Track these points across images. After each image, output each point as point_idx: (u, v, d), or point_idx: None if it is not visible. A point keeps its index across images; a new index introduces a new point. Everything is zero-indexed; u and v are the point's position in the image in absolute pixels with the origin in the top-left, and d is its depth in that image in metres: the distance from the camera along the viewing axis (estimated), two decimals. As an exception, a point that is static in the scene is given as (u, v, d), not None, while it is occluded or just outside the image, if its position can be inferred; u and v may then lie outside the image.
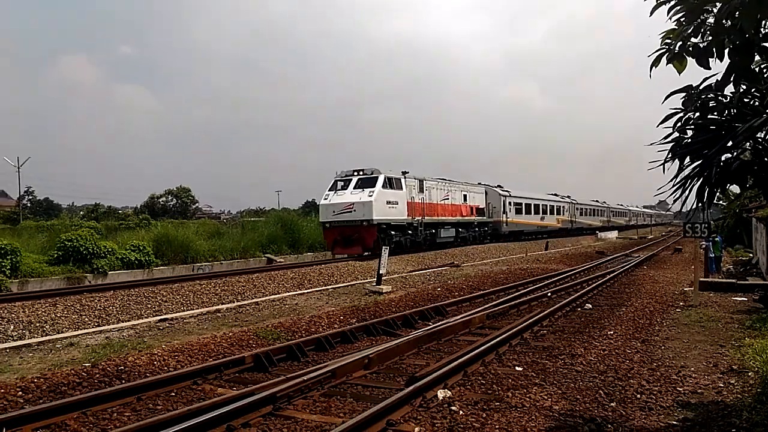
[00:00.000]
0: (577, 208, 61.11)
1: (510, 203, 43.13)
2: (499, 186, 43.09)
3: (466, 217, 35.77)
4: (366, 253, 26.60)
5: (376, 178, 26.78)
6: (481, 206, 38.45)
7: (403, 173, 28.86)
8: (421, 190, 30.31)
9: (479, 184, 40.03)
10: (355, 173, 27.45)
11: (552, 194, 55.47)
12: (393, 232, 27.35)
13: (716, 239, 21.92)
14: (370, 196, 25.68)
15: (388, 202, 26.70)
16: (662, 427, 5.78)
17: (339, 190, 27.44)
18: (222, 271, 23.36)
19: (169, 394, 7.06)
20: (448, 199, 33.38)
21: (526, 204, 46.41)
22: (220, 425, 5.64)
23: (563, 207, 56.29)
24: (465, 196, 35.98)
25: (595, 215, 70.08)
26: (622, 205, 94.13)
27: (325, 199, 27.36)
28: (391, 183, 27.27)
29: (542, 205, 50.23)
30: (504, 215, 41.74)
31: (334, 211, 26.31)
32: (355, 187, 26.81)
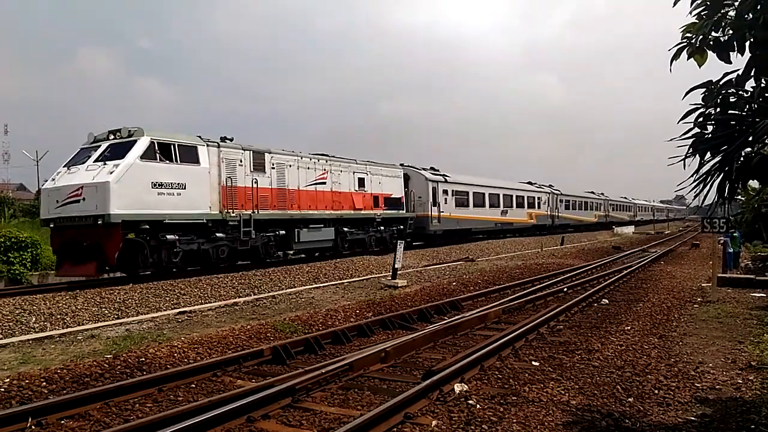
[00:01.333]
0: (561, 201, 50.49)
1: (446, 192, 31.16)
2: (430, 168, 31.52)
3: (360, 211, 24.38)
4: (105, 275, 16.42)
5: (134, 142, 15.57)
6: (395, 195, 26.98)
7: (204, 139, 17.56)
8: (260, 168, 19.27)
9: (400, 165, 28.75)
10: (111, 136, 16.18)
11: (526, 182, 45.78)
12: (174, 237, 16.07)
13: (735, 234, 21.71)
14: (111, 173, 14.64)
15: (160, 185, 15.61)
16: (680, 423, 5.78)
17: (78, 164, 15.81)
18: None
19: (190, 385, 7.17)
20: (324, 183, 22.40)
21: (475, 193, 34.81)
22: (240, 416, 5.73)
23: (539, 198, 45.48)
24: (362, 180, 24.71)
25: (588, 209, 59.11)
26: (625, 197, 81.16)
27: (52, 180, 16.10)
28: (168, 152, 16.08)
29: (504, 195, 38.83)
30: (434, 208, 29.62)
31: (57, 201, 15.22)
32: (97, 159, 15.39)
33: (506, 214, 38.95)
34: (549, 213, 47.07)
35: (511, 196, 39.82)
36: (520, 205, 41.06)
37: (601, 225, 60.48)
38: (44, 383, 6.87)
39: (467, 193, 33.74)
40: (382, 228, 25.95)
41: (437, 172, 31.34)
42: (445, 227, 30.68)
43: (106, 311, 12.06)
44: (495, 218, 37.33)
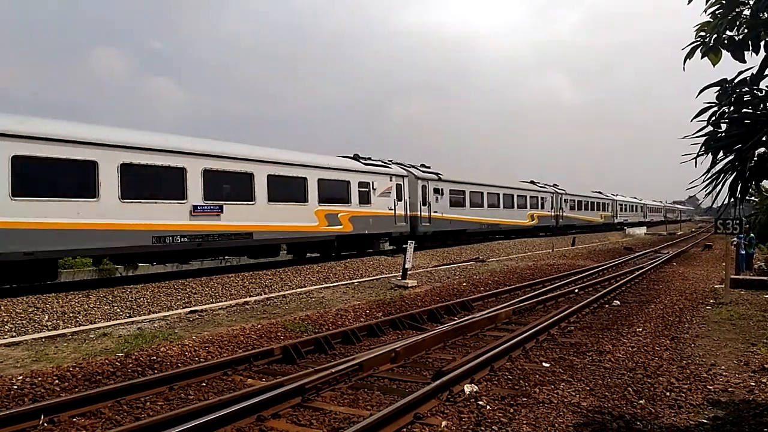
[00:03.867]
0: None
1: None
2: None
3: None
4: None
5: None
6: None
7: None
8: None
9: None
10: None
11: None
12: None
13: (751, 235, 21.55)
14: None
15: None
16: (692, 426, 5.73)
17: None
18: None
19: (200, 384, 7.21)
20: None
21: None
22: (250, 415, 5.75)
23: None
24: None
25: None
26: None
27: None
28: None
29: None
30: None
31: None
32: None
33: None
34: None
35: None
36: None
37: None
38: (57, 381, 6.93)
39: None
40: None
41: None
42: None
43: (118, 310, 12.15)
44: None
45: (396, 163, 26.98)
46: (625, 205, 65.25)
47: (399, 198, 25.16)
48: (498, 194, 35.36)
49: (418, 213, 26.66)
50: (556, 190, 46.44)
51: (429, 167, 29.44)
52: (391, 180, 24.57)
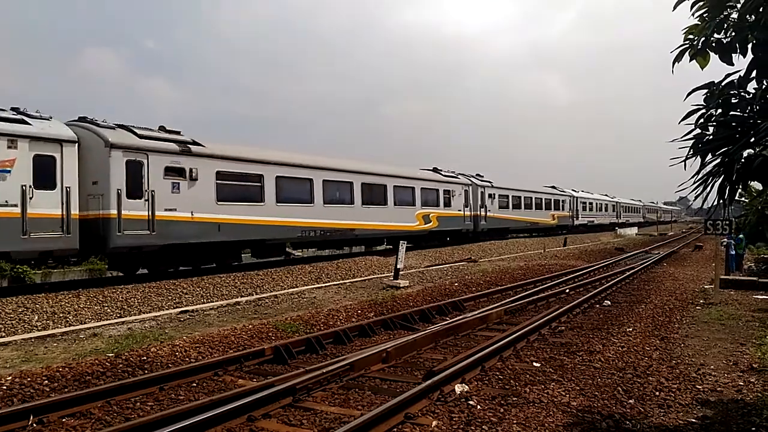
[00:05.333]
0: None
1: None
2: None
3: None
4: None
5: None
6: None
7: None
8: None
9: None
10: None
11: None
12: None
13: (741, 236, 21.71)
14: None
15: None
16: (681, 425, 5.77)
17: None
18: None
19: (191, 384, 7.19)
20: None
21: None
22: (241, 416, 5.75)
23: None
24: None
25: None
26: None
27: None
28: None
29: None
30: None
31: None
32: None
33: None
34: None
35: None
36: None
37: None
38: (46, 381, 6.89)
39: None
40: None
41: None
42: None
43: (109, 310, 12.10)
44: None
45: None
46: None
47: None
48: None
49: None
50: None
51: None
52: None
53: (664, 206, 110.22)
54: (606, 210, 63.32)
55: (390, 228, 25.01)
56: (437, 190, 29.00)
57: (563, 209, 48.27)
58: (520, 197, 39.45)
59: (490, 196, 34.56)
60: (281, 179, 19.36)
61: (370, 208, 23.79)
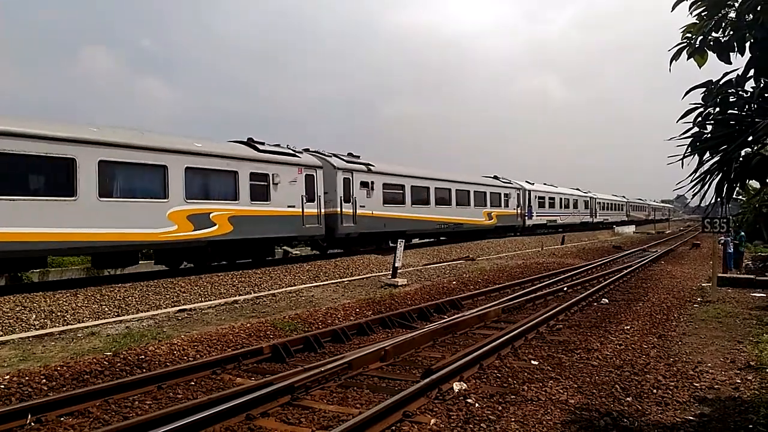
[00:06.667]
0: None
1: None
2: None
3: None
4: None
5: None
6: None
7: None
8: None
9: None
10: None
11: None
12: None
13: (741, 234, 21.79)
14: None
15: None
16: (678, 422, 5.79)
17: None
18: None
19: (189, 383, 7.19)
20: None
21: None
22: (239, 414, 5.75)
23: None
24: None
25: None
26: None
27: None
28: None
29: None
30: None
31: None
32: None
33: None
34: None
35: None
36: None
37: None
38: (44, 380, 6.88)
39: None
40: None
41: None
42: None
43: (107, 309, 12.08)
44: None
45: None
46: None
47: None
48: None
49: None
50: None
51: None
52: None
53: (655, 203, 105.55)
54: (575, 207, 49.96)
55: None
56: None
57: (507, 206, 36.78)
58: (427, 188, 28.14)
59: (364, 184, 23.42)
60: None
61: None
